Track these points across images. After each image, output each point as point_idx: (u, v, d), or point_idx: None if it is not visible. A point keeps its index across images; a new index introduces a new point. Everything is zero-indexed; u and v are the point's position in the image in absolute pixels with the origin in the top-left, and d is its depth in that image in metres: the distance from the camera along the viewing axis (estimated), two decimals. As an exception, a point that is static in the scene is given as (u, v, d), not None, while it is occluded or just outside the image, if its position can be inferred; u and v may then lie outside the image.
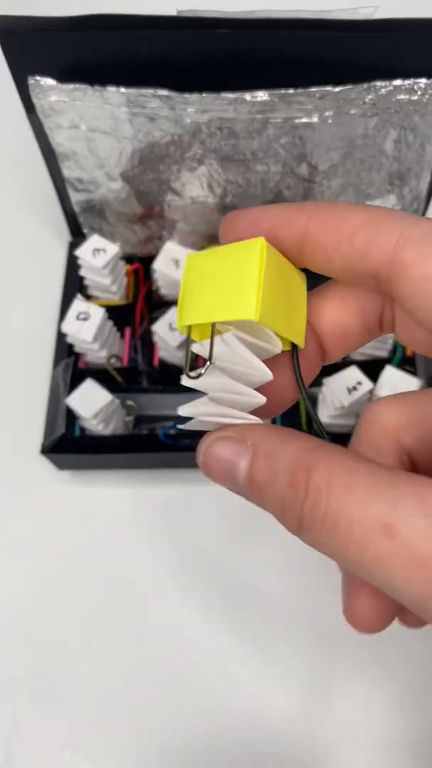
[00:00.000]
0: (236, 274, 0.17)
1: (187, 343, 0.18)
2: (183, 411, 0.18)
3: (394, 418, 0.20)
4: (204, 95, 0.37)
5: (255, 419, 0.18)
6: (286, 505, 0.16)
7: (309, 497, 0.15)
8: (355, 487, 0.14)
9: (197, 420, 0.18)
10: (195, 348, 0.18)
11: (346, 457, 0.15)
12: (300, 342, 0.19)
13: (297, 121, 0.39)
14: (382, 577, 0.14)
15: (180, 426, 0.18)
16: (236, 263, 0.18)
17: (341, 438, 0.42)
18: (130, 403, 0.45)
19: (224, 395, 0.18)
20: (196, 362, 0.18)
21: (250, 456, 0.17)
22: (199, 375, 0.17)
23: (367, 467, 0.15)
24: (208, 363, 0.17)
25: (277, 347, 0.18)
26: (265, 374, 0.18)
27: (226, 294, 0.17)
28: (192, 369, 0.18)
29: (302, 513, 0.15)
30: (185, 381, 0.17)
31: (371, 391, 0.40)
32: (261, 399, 0.18)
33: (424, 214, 0.47)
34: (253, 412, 0.18)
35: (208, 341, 0.17)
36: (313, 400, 0.43)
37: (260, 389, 0.18)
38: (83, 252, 0.43)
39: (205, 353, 0.17)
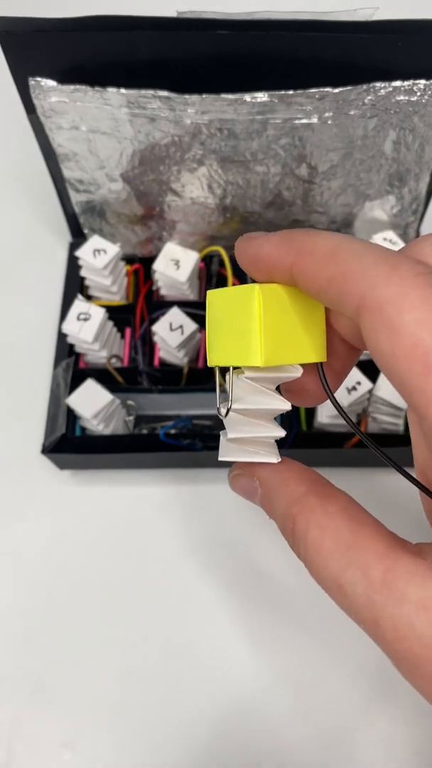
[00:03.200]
0: (242, 320, 0.19)
1: (216, 379, 0.21)
2: (222, 458, 0.21)
3: None
4: (204, 96, 0.37)
5: (268, 459, 0.21)
6: (284, 536, 0.20)
7: (294, 543, 0.19)
8: (322, 545, 0.18)
9: (230, 455, 0.21)
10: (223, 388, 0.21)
11: (320, 511, 0.18)
12: (321, 357, 0.20)
13: (296, 122, 0.39)
14: (341, 609, 0.17)
15: (221, 459, 0.21)
16: (241, 309, 0.19)
17: (342, 438, 0.42)
18: (130, 403, 0.45)
19: (249, 424, 0.21)
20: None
21: (260, 493, 0.21)
22: (228, 411, 0.21)
23: (334, 525, 0.18)
24: (229, 404, 0.20)
25: (297, 373, 0.20)
26: (284, 405, 0.20)
27: (237, 340, 0.19)
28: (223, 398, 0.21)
29: (292, 549, 0.19)
30: (221, 414, 0.21)
31: (370, 391, 0.40)
32: (281, 432, 0.21)
33: (423, 214, 0.47)
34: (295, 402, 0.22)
35: (234, 381, 0.20)
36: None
37: (298, 386, 0.21)
38: (84, 252, 0.43)
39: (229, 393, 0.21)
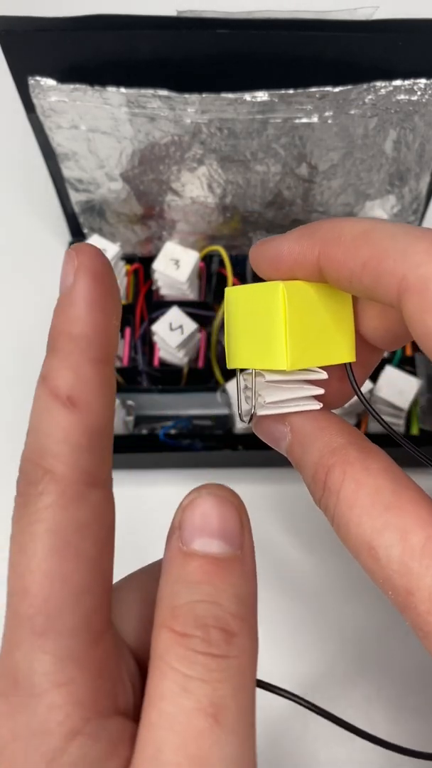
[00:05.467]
0: (265, 319, 0.18)
1: (237, 382, 0.20)
2: (261, 413, 0.19)
3: None
4: (204, 95, 0.37)
5: (311, 406, 0.19)
6: (311, 488, 0.18)
7: (324, 496, 0.17)
8: (356, 501, 0.16)
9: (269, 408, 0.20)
10: (247, 393, 0.20)
11: (360, 466, 0.17)
12: (350, 357, 0.19)
13: (297, 121, 0.39)
14: (367, 573, 0.16)
15: (261, 413, 0.19)
16: (264, 308, 0.18)
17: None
18: (130, 403, 0.45)
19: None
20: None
21: (289, 439, 0.19)
22: (252, 418, 0.19)
23: (373, 483, 0.16)
24: (253, 409, 0.19)
25: (322, 375, 0.19)
26: (313, 406, 0.19)
27: (261, 341, 0.18)
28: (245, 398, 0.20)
29: (319, 502, 0.18)
30: (240, 424, 0.19)
31: (371, 391, 0.40)
32: (323, 374, 0.19)
33: (423, 214, 0.47)
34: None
35: (257, 382, 0.19)
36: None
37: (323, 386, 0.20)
38: (83, 252, 0.43)
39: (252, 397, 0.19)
